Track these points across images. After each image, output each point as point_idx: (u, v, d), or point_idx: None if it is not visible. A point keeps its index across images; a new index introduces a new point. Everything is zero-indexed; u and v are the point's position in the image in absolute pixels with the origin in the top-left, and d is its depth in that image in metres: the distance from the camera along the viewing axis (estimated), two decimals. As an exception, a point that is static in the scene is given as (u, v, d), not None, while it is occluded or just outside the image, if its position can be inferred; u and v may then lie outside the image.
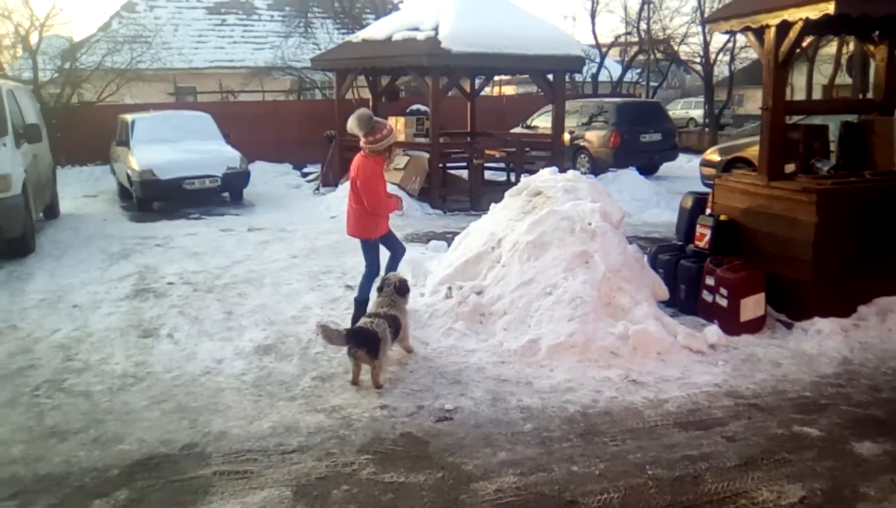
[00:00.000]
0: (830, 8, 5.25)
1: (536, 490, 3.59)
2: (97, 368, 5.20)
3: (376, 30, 13.53)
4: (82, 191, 14.72)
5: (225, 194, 12.97)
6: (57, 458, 3.95)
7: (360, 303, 5.77)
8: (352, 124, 5.61)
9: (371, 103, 15.02)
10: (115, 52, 19.24)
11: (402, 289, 5.33)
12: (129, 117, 13.49)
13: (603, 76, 26.37)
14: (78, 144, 16.24)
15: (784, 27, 5.76)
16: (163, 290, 7.12)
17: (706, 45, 22.55)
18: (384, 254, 5.98)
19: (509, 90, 30.12)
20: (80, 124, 16.39)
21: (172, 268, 7.97)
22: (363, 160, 5.67)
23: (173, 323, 6.10)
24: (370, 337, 4.77)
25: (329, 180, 14.16)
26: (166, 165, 11.92)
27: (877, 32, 6.56)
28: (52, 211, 11.34)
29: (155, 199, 12.25)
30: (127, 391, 4.81)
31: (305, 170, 16.72)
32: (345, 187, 12.61)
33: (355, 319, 5.56)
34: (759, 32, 6.06)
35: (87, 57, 19.04)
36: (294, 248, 8.94)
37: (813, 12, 5.39)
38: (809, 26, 5.61)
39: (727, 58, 23.82)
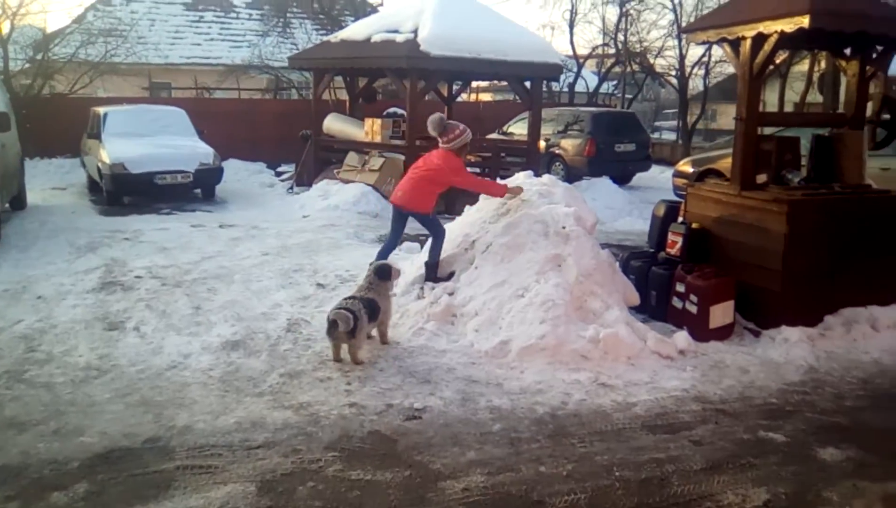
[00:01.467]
0: (805, 22, 5.33)
1: (504, 489, 3.58)
2: (60, 359, 5.09)
3: (355, 31, 13.50)
4: (51, 183, 14.49)
5: (197, 191, 12.82)
6: (15, 449, 3.85)
7: (430, 266, 6.27)
8: (429, 127, 6.40)
9: (348, 105, 15.03)
10: (89, 45, 18.94)
11: (380, 273, 5.48)
12: (101, 110, 13.29)
13: (579, 87, 26.53)
14: (48, 135, 15.98)
15: (759, 39, 5.84)
16: (130, 283, 7.01)
17: (682, 58, 22.80)
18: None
19: (486, 97, 30.23)
20: (50, 116, 16.12)
21: (141, 262, 7.85)
22: (445, 153, 6.31)
23: (140, 317, 6.01)
24: (346, 316, 4.93)
25: (303, 180, 14.07)
26: (138, 159, 11.75)
27: (849, 49, 6.66)
28: (18, 202, 11.12)
29: (125, 193, 12.07)
30: (90, 383, 4.71)
31: (280, 169, 16.60)
32: (318, 187, 12.62)
33: (427, 279, 6.21)
34: (735, 44, 6.14)
35: (61, 48, 18.75)
36: (266, 245, 8.86)
37: (788, 26, 5.47)
38: (784, 39, 5.69)
39: (702, 72, 24.11)
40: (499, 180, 6.81)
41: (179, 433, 4.06)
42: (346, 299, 5.29)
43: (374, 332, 5.46)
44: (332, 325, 4.98)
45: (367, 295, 5.29)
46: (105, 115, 13.00)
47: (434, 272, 6.25)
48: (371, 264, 5.71)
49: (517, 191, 6.36)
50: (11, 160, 10.39)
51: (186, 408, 4.37)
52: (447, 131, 6.32)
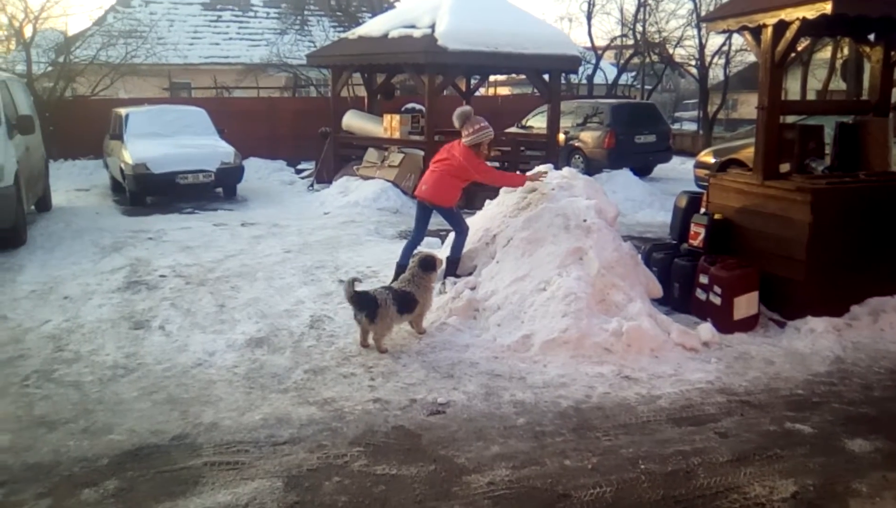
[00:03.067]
0: (828, 8, 5.25)
1: (529, 483, 3.58)
2: (88, 359, 5.16)
3: (373, 27, 13.51)
4: (75, 184, 14.66)
5: (218, 190, 12.90)
6: (46, 447, 3.92)
7: (452, 262, 6.34)
8: (454, 118, 6.45)
9: (366, 101, 15.05)
10: (109, 47, 19.13)
11: (424, 265, 5.55)
12: (122, 111, 13.41)
13: (598, 78, 26.38)
14: (71, 137, 16.18)
15: (781, 27, 5.77)
16: (155, 282, 7.09)
17: (702, 47, 22.61)
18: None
19: (504, 91, 30.14)
20: (73, 118, 16.31)
21: (165, 261, 7.93)
22: (463, 148, 6.32)
23: (165, 315, 6.07)
24: (369, 303, 5.14)
25: (323, 177, 14.12)
26: (160, 159, 11.85)
27: (873, 34, 6.57)
28: (44, 204, 11.27)
29: (148, 193, 12.17)
30: (117, 381, 4.77)
31: (300, 167, 16.68)
32: (338, 184, 12.67)
33: (447, 275, 6.23)
34: (757, 32, 6.07)
35: (82, 51, 18.95)
36: (287, 243, 8.91)
37: (810, 12, 5.39)
38: (806, 26, 5.62)
39: (722, 61, 23.89)
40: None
41: (206, 429, 4.11)
42: (383, 287, 5.46)
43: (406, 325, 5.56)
44: (357, 309, 5.20)
45: (405, 288, 5.39)
46: (127, 116, 13.12)
47: (455, 268, 6.25)
48: (414, 257, 5.73)
49: (537, 177, 6.38)
50: (36, 163, 10.53)
51: (212, 405, 4.42)
52: (467, 125, 6.34)
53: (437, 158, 6.52)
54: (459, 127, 6.40)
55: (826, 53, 21.65)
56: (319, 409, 4.37)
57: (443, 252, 6.60)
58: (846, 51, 18.76)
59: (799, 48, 15.50)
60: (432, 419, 4.25)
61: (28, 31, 17.71)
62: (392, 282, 5.88)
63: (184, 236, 9.34)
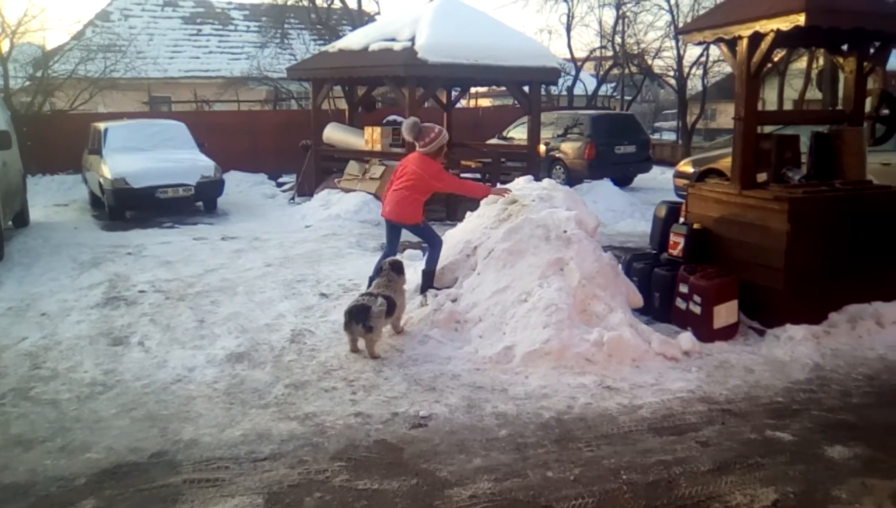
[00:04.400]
0: (801, 20, 5.34)
1: (511, 495, 3.57)
2: (65, 376, 5.10)
3: (353, 40, 13.54)
4: (53, 200, 14.54)
5: (199, 203, 12.85)
6: (22, 467, 3.86)
7: (428, 273, 6.28)
8: (403, 132, 6.45)
9: (347, 114, 15.06)
10: (88, 61, 19.03)
11: (396, 268, 5.73)
12: (101, 125, 13.33)
13: (578, 90, 26.56)
14: (49, 152, 16.02)
15: (756, 38, 5.84)
16: (134, 298, 7.02)
17: (680, 58, 22.81)
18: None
19: (485, 102, 30.25)
20: (51, 133, 16.16)
21: (144, 276, 7.86)
22: (421, 158, 6.28)
23: (144, 331, 6.02)
24: (364, 312, 5.22)
25: (304, 190, 14.09)
26: (139, 174, 11.78)
27: (846, 45, 6.66)
28: (21, 219, 11.15)
29: (127, 207, 12.10)
30: (96, 399, 4.72)
31: (281, 180, 16.64)
32: (319, 197, 12.64)
33: (423, 287, 6.21)
34: (732, 44, 6.14)
35: (60, 65, 18.83)
36: (268, 256, 8.87)
37: (784, 24, 5.47)
38: (780, 38, 5.69)
39: (700, 72, 24.12)
40: (499, 186, 6.82)
41: (185, 446, 4.06)
42: (363, 295, 5.55)
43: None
44: (349, 319, 5.25)
45: (385, 292, 5.49)
46: (106, 130, 13.04)
47: (431, 280, 6.24)
48: (385, 263, 5.83)
49: (501, 193, 6.47)
50: (13, 178, 10.43)
51: (192, 422, 4.37)
52: (423, 135, 6.29)
53: (397, 178, 6.42)
54: (413, 139, 6.36)
55: (802, 63, 21.93)
56: (300, 424, 4.34)
57: (422, 266, 6.59)
58: (822, 61, 19.01)
59: (775, 59, 15.73)
60: (414, 433, 4.24)
61: (5, 46, 17.57)
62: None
63: (163, 251, 9.27)
